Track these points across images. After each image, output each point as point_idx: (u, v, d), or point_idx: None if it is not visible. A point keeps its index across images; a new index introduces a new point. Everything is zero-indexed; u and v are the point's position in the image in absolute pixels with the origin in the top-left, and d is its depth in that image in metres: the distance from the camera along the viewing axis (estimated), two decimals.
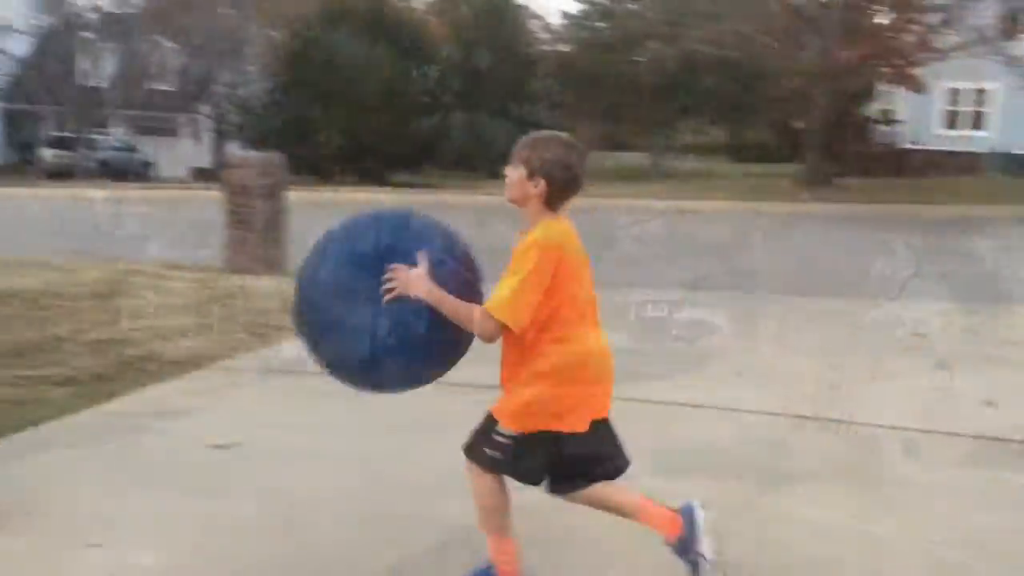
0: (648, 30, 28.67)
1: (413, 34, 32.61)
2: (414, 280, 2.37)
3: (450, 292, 2.40)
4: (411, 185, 28.52)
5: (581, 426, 2.44)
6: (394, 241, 2.45)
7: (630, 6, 31.50)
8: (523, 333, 2.37)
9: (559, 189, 2.45)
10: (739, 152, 43.76)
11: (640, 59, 30.95)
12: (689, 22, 26.40)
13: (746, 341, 6.09)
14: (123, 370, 4.96)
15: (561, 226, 2.46)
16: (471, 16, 38.40)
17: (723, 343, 6.03)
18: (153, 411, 4.36)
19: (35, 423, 4.06)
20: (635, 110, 37.08)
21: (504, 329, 2.36)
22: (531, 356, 2.41)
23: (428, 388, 2.60)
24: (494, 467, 2.47)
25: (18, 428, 3.98)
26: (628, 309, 6.84)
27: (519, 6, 40.79)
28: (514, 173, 2.47)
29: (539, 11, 50.68)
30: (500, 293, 2.35)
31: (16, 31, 31.14)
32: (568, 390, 2.43)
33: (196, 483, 3.44)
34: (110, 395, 4.52)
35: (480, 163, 40.47)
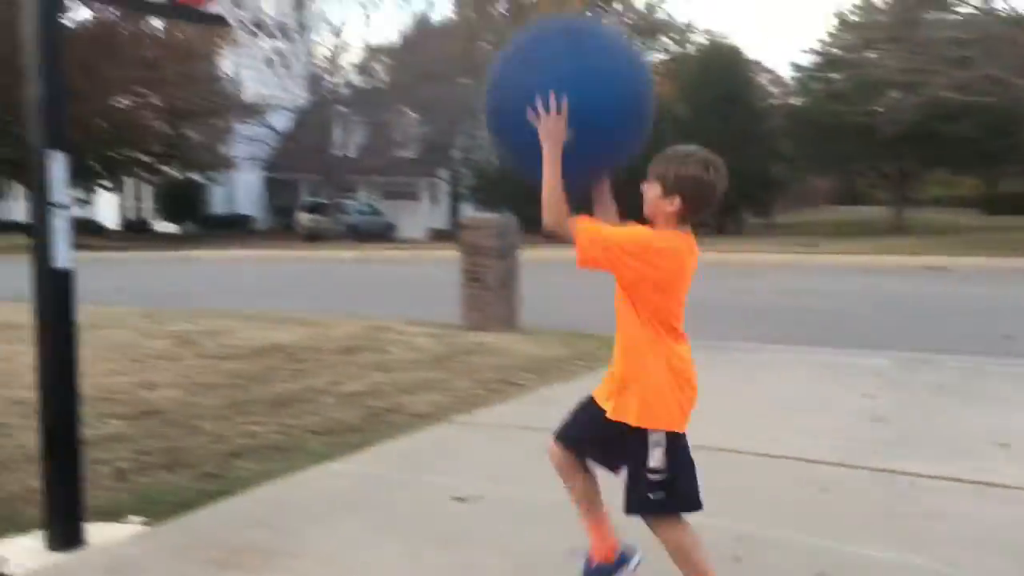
0: (887, 78, 27.32)
1: None
2: (551, 128, 2.38)
3: (571, 172, 2.43)
4: None
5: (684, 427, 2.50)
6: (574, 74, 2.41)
7: (867, 55, 30.17)
8: (585, 265, 2.43)
9: (694, 207, 2.43)
10: (991, 204, 40.54)
11: (878, 109, 29.52)
12: (934, 68, 24.93)
13: None
14: (373, 422, 5.25)
15: (688, 238, 2.47)
16: (699, 73, 38.33)
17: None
18: (399, 462, 4.57)
19: (297, 469, 4.37)
20: (873, 161, 35.37)
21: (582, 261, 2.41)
22: (653, 353, 2.43)
23: None
24: (665, 508, 2.42)
25: (283, 473, 4.30)
26: (911, 381, 6.45)
27: (749, 61, 40.29)
28: (650, 190, 2.47)
29: (769, 65, 49.66)
30: (596, 225, 2.43)
31: (282, 108, 34.43)
32: (686, 392, 2.48)
33: (443, 533, 3.56)
34: (361, 445, 4.79)
35: (706, 219, 39.89)
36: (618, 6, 59.00)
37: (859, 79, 29.13)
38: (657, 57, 59.78)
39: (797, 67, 39.48)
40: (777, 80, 48.38)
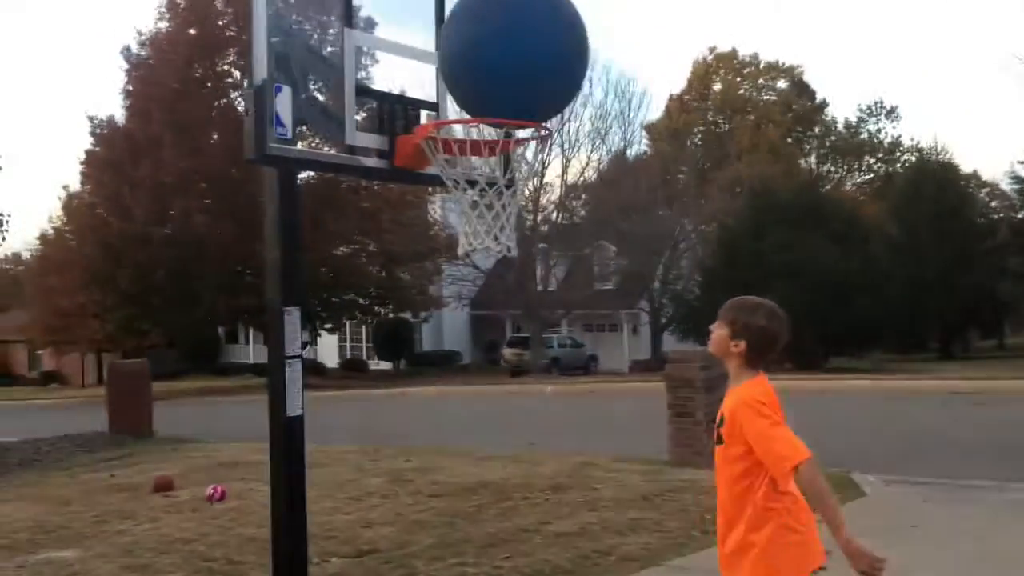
0: None
1: (848, 217, 31.94)
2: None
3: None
4: (851, 370, 27.13)
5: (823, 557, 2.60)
6: None
7: None
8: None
9: (757, 352, 2.67)
10: None
11: None
12: None
13: None
14: (584, 564, 5.16)
15: (767, 385, 2.66)
16: (909, 191, 36.84)
17: None
18: None
19: None
20: None
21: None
22: (768, 509, 2.57)
23: None
24: None
25: None
26: None
27: (964, 175, 38.36)
28: (719, 331, 2.71)
29: (987, 177, 46.97)
30: (777, 445, 2.51)
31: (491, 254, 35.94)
32: (807, 533, 2.60)
33: None
34: None
35: (929, 341, 37.36)
36: (818, 129, 58.35)
37: None
38: (862, 177, 58.22)
39: (1017, 179, 37.08)
40: (998, 193, 45.67)
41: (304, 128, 3.60)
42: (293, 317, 3.45)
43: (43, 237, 38.85)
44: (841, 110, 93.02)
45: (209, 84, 32.05)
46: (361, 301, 35.50)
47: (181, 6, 31.52)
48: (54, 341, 38.55)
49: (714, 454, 2.69)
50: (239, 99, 31.98)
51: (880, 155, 57.77)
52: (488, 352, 41.66)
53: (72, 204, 35.48)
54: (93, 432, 13.24)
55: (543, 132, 3.51)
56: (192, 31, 31.05)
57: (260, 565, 5.20)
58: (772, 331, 2.69)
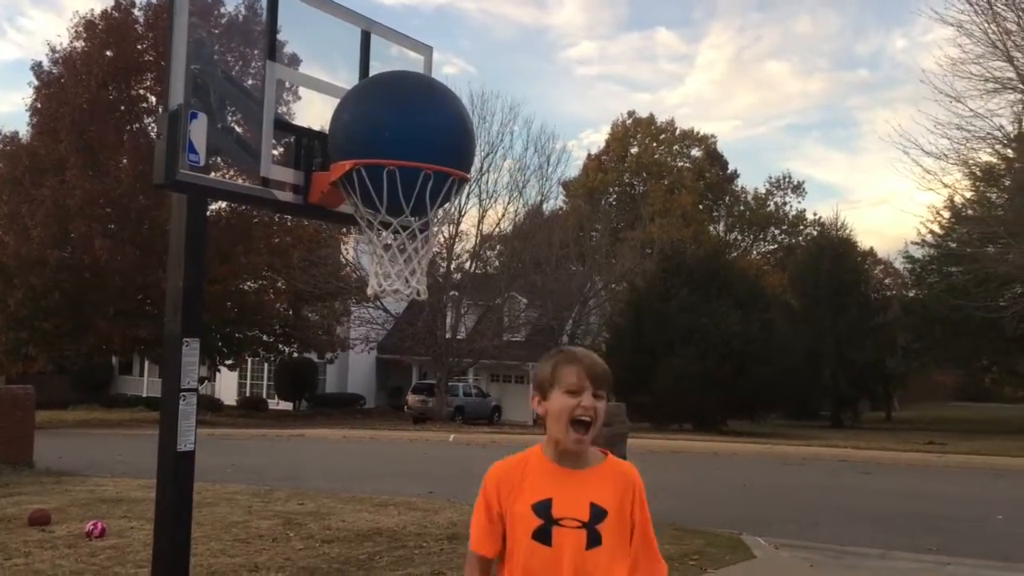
0: (1012, 274, 26.26)
1: (750, 285, 32.94)
2: None
3: None
4: (747, 433, 27.75)
5: None
6: None
7: (988, 249, 29.24)
8: None
9: None
10: None
11: (1003, 303, 28.45)
12: None
13: None
14: None
15: None
16: (809, 263, 38.20)
17: None
18: None
19: None
20: (1000, 356, 33.92)
21: None
22: None
23: None
24: None
25: None
26: None
27: (861, 251, 39.99)
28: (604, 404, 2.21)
29: (883, 255, 49.07)
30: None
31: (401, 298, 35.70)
32: None
33: None
34: None
35: (822, 409, 38.57)
36: (728, 198, 60.28)
37: (980, 273, 28.19)
38: (767, 247, 60.23)
39: (911, 258, 38.81)
40: (891, 271, 47.72)
41: (218, 159, 3.54)
42: (192, 348, 3.36)
43: None
44: (751, 180, 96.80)
45: (122, 107, 31.24)
46: (265, 338, 34.76)
47: (100, 27, 30.77)
48: None
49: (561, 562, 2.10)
50: (152, 125, 31.26)
51: (784, 227, 59.96)
52: (393, 397, 41.19)
53: None
54: None
55: (461, 178, 3.53)
56: (109, 52, 30.28)
57: None
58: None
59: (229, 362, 34.85)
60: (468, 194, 30.35)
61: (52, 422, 25.19)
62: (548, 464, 2.17)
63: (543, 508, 2.11)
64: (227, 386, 40.94)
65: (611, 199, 57.30)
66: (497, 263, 38.40)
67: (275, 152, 3.71)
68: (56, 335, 29.53)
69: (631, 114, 61.38)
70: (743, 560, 7.00)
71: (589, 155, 61.23)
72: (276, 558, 6.45)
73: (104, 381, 42.20)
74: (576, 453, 2.15)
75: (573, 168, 65.88)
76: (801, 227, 58.64)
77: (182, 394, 3.29)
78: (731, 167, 61.56)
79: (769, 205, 60.38)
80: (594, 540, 2.09)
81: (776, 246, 59.99)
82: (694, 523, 8.41)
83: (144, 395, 40.17)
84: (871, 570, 7.03)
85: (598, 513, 2.11)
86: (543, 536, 2.10)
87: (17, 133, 32.03)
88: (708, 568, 6.51)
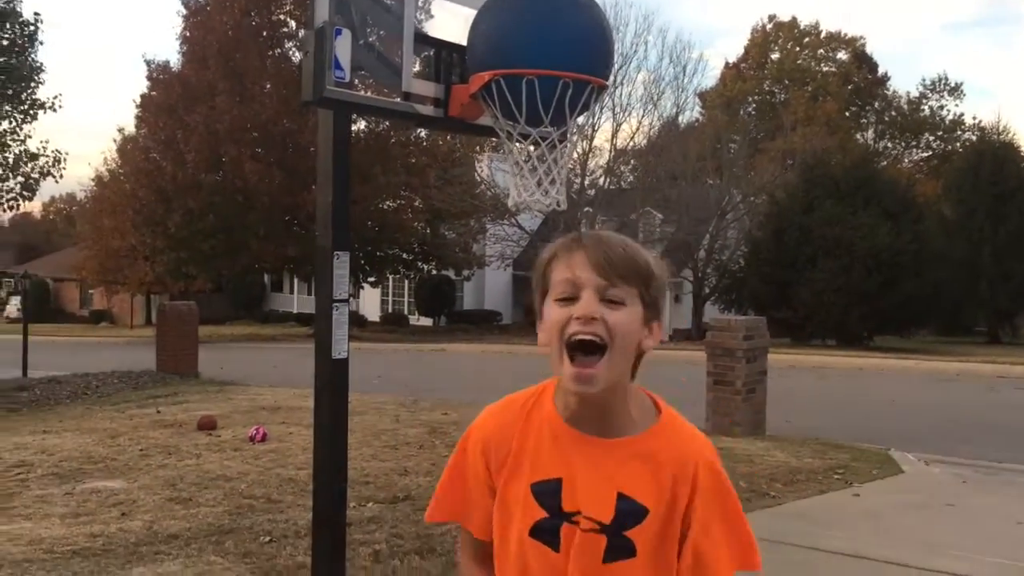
0: None
1: (901, 195, 31.28)
2: None
3: None
4: (895, 349, 26.76)
5: None
6: None
7: None
8: None
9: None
10: None
11: None
12: None
13: None
14: None
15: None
16: (967, 171, 35.95)
17: None
18: None
19: None
20: None
21: None
22: None
23: None
24: None
25: None
26: None
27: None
28: (633, 309, 1.42)
29: None
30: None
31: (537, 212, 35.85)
32: None
33: None
34: None
35: (977, 324, 36.67)
36: (877, 103, 57.05)
37: None
38: (920, 155, 56.93)
39: None
40: None
41: (359, 77, 3.60)
42: (342, 261, 3.49)
43: (98, 178, 39.56)
44: (903, 84, 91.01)
45: (264, 33, 32.12)
46: (405, 256, 35.69)
47: None
48: (105, 281, 39.42)
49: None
50: (293, 49, 32.04)
51: (940, 132, 56.38)
52: (528, 314, 41.77)
53: (127, 147, 36.03)
54: (141, 370, 13.58)
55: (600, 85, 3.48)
56: None
57: (299, 505, 5.32)
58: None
59: (372, 279, 36.07)
60: (601, 108, 29.85)
61: (212, 337, 26.87)
62: (559, 424, 1.40)
63: (548, 492, 1.38)
64: (371, 303, 42.45)
65: (750, 109, 55.22)
66: (631, 178, 37.87)
67: (415, 68, 3.75)
68: (212, 255, 31.22)
69: (772, 18, 58.47)
70: (891, 475, 6.84)
71: (727, 64, 58.90)
72: (423, 463, 6.74)
73: (258, 298, 44.49)
74: (594, 407, 1.35)
75: (710, 78, 63.71)
76: (959, 132, 55.00)
77: (334, 304, 3.44)
78: (881, 70, 58.02)
79: (923, 110, 56.77)
80: (618, 550, 1.35)
81: (930, 153, 56.55)
82: (839, 437, 8.26)
83: (294, 311, 42.19)
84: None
85: (629, 511, 1.35)
86: (546, 535, 1.38)
87: (168, 62, 33.50)
88: (854, 483, 6.39)
